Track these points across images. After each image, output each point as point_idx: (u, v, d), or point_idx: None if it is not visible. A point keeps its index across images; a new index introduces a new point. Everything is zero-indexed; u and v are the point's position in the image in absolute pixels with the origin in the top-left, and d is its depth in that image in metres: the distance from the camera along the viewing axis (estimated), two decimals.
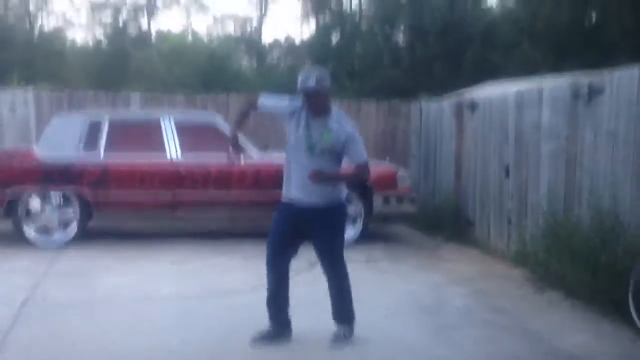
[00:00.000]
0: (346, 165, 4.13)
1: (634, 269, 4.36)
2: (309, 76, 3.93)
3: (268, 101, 4.17)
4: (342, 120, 4.05)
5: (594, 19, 21.19)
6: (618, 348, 4.17)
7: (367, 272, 6.21)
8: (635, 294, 4.32)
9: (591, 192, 5.46)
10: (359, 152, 4.03)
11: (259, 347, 4.04)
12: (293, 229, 4.06)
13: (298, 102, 4.03)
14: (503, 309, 5.08)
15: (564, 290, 5.27)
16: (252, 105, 4.21)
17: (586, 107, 5.65)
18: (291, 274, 4.19)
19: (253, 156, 7.36)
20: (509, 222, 6.88)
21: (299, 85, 3.94)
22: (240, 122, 4.33)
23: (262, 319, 4.17)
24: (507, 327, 4.62)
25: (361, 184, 7.03)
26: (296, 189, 4.05)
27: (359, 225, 7.52)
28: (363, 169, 4.08)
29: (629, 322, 4.36)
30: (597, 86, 5.51)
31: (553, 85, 6.39)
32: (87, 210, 7.21)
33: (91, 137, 7.27)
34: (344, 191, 4.19)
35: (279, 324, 4.16)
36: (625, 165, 5.11)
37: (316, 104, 3.96)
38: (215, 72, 23.43)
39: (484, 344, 4.24)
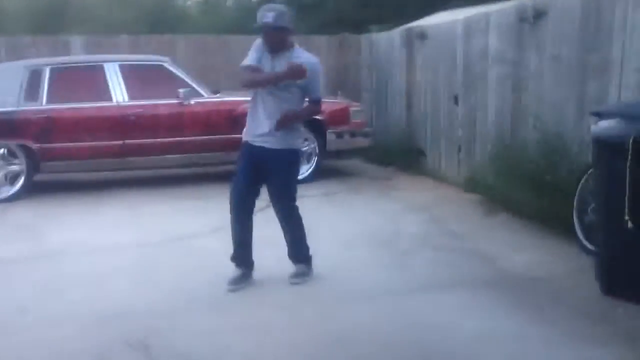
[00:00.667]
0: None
1: (578, 188, 4.53)
2: (267, 13, 3.87)
3: (251, 59, 4.03)
4: (304, 54, 4.04)
5: None
6: (565, 264, 4.37)
7: (325, 204, 6.32)
8: (579, 211, 4.51)
9: (537, 115, 5.60)
10: (317, 88, 4.05)
11: (236, 293, 4.04)
12: (254, 170, 4.07)
13: (257, 44, 4.00)
14: (457, 233, 5.26)
15: (513, 212, 5.47)
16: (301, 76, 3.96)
17: (531, 31, 5.71)
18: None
19: (204, 98, 7.27)
20: (459, 149, 7.03)
21: (257, 22, 3.88)
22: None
23: (225, 261, 4.18)
24: (461, 250, 4.80)
25: (314, 123, 7.07)
26: (254, 131, 4.03)
27: (314, 161, 7.57)
28: (317, 105, 4.14)
29: (575, 238, 4.56)
30: (541, 9, 5.57)
31: (499, 9, 6.42)
32: (33, 162, 7.02)
33: (32, 87, 7.03)
34: (301, 135, 4.21)
35: (246, 265, 4.19)
36: (569, 87, 5.23)
37: (275, 41, 3.94)
38: (160, 11, 22.65)
39: (442, 268, 4.41)
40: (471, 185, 6.35)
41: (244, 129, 4.16)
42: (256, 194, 4.16)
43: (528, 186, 5.13)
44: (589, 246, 4.26)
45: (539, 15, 5.59)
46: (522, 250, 4.73)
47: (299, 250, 4.25)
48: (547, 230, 4.98)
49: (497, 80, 6.28)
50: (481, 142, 6.55)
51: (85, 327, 3.56)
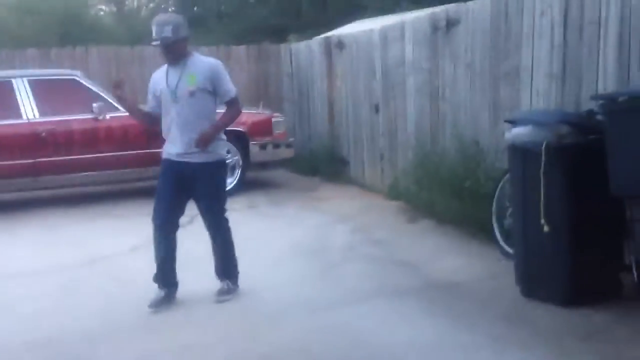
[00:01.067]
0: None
1: (496, 193, 4.66)
2: (163, 26, 3.79)
3: (149, 101, 4.07)
4: (201, 59, 3.99)
5: None
6: (486, 268, 4.47)
7: (250, 218, 6.24)
8: (498, 216, 4.63)
9: (454, 123, 5.74)
10: (228, 89, 3.99)
11: (160, 314, 3.92)
12: (177, 187, 3.96)
13: (156, 73, 3.99)
14: (382, 241, 5.30)
15: (435, 218, 5.57)
16: (117, 87, 3.95)
17: (445, 39, 5.85)
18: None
19: (119, 113, 7.05)
20: (382, 158, 7.11)
21: (154, 36, 3.81)
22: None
23: (148, 281, 4.06)
24: (387, 259, 4.84)
25: (237, 135, 7.01)
26: (171, 147, 3.97)
27: (237, 173, 7.47)
28: (234, 105, 4.06)
29: (494, 242, 4.68)
30: (453, 17, 5.71)
31: (414, 19, 6.55)
32: None
33: None
34: (224, 145, 4.16)
35: (170, 285, 4.07)
36: (483, 95, 5.39)
37: (176, 54, 3.88)
38: (71, 22, 21.87)
39: (367, 279, 4.42)
40: (394, 192, 6.44)
41: (164, 145, 4.05)
42: (181, 211, 4.06)
43: (449, 192, 5.24)
44: (509, 250, 4.38)
45: (451, 24, 5.74)
46: (445, 256, 4.81)
47: (227, 265, 4.16)
48: (469, 235, 5.09)
49: (415, 89, 6.40)
50: (402, 150, 6.65)
51: (11, 358, 3.39)
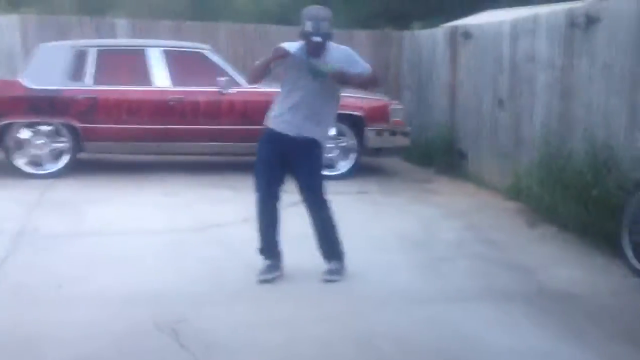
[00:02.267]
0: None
1: (627, 203, 4.35)
2: (321, 22, 3.81)
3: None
4: (335, 48, 3.98)
5: None
6: (609, 283, 4.21)
7: (359, 203, 6.23)
8: (629, 229, 4.32)
9: (586, 124, 5.41)
10: (364, 66, 3.98)
11: (266, 285, 4.01)
12: (278, 158, 4.01)
13: (291, 45, 3.93)
14: (495, 242, 5.11)
15: (556, 224, 5.30)
16: (282, 56, 3.91)
17: (582, 37, 5.52)
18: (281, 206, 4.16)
19: (243, 87, 7.24)
20: (503, 155, 6.86)
21: (309, 31, 3.80)
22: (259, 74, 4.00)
23: (256, 252, 4.15)
24: (499, 260, 4.65)
25: (354, 119, 7.01)
26: (283, 120, 3.98)
27: (352, 158, 7.47)
28: (375, 76, 4.06)
29: (621, 256, 4.38)
30: (593, 15, 5.37)
31: (549, 13, 6.22)
32: (77, 141, 7.14)
33: (78, 67, 7.14)
34: (330, 129, 4.15)
35: (274, 257, 4.14)
36: (620, 98, 5.04)
37: (322, 48, 3.91)
38: None
39: (475, 278, 4.28)
40: (514, 192, 6.19)
41: (268, 116, 4.08)
42: (282, 182, 4.09)
43: (574, 198, 4.96)
44: (638, 266, 4.08)
45: (591, 21, 5.39)
46: (563, 265, 4.56)
47: (332, 246, 4.17)
48: (592, 246, 4.81)
49: (545, 86, 6.09)
50: (526, 149, 6.37)
51: (115, 307, 3.60)
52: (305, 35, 3.86)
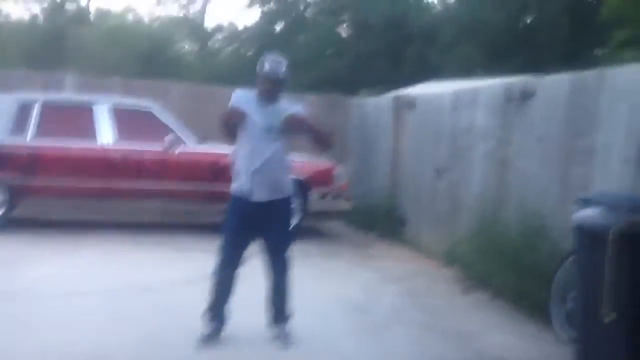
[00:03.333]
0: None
1: (557, 273, 4.48)
2: (279, 64, 3.91)
3: (234, 103, 4.02)
4: (290, 103, 4.06)
5: (529, 22, 21.87)
6: (540, 350, 4.29)
7: (301, 267, 6.16)
8: (557, 298, 4.44)
9: (520, 194, 5.61)
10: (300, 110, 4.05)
11: (206, 350, 3.93)
12: (248, 226, 4.00)
13: (244, 93, 4.01)
14: (432, 308, 5.16)
15: (491, 291, 5.40)
16: (235, 115, 3.97)
17: (518, 110, 5.78)
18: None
19: (190, 146, 7.25)
20: (440, 222, 7.01)
21: (267, 71, 3.88)
22: (229, 134, 4.06)
23: (196, 315, 4.09)
24: (435, 327, 4.69)
25: (297, 182, 7.06)
26: (250, 181, 3.96)
27: (295, 220, 7.48)
28: (331, 136, 4.19)
29: (551, 324, 4.48)
30: (529, 90, 5.66)
31: (488, 87, 6.52)
32: (12, 197, 6.92)
33: (21, 120, 7.00)
34: (291, 183, 4.20)
35: (221, 321, 4.08)
36: (553, 170, 5.26)
37: (276, 93, 3.97)
38: (155, 55, 22.86)
39: (412, 345, 4.29)
40: (450, 259, 6.30)
41: (234, 180, 4.08)
42: (246, 250, 4.07)
43: (507, 266, 5.09)
44: (565, 335, 4.18)
45: (526, 95, 5.68)
46: (496, 332, 4.63)
47: (284, 308, 4.15)
48: (525, 314, 4.90)
49: (483, 156, 6.32)
50: (463, 217, 6.54)
51: None
52: (263, 76, 3.90)
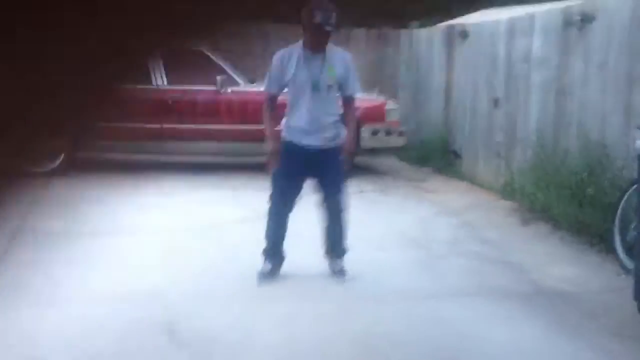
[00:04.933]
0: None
1: (620, 202, 4.39)
2: (330, 14, 3.78)
3: (272, 83, 4.02)
4: (336, 50, 3.99)
5: None
6: (602, 280, 4.25)
7: (356, 202, 6.20)
8: (621, 228, 4.36)
9: (580, 123, 5.45)
10: (355, 86, 4.04)
11: (264, 286, 4.04)
12: (300, 169, 4.02)
13: (284, 52, 3.96)
14: (490, 240, 5.15)
15: (551, 223, 5.33)
16: (271, 101, 4.03)
17: (578, 36, 5.55)
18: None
19: (241, 86, 7.28)
20: (498, 154, 6.89)
21: (319, 22, 3.76)
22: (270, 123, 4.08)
23: (254, 252, 4.17)
24: (493, 258, 4.69)
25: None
26: (301, 132, 3.98)
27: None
28: (354, 103, 4.14)
29: (615, 254, 4.42)
30: (589, 14, 5.40)
31: (545, 12, 6.25)
32: (73, 141, 7.12)
33: None
34: (343, 129, 4.18)
35: (277, 260, 4.17)
36: (615, 97, 5.07)
37: (325, 42, 3.89)
38: None
39: (469, 276, 4.32)
40: (508, 191, 6.22)
41: (284, 127, 4.08)
42: (299, 193, 4.11)
43: (568, 197, 5.00)
44: (629, 264, 4.12)
45: (586, 19, 5.43)
46: (557, 263, 4.60)
47: (341, 242, 4.20)
48: (586, 245, 4.84)
49: (540, 85, 6.13)
50: (521, 148, 6.41)
51: (114, 306, 3.63)
52: (314, 27, 3.79)
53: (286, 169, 4.01)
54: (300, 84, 3.92)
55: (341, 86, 3.99)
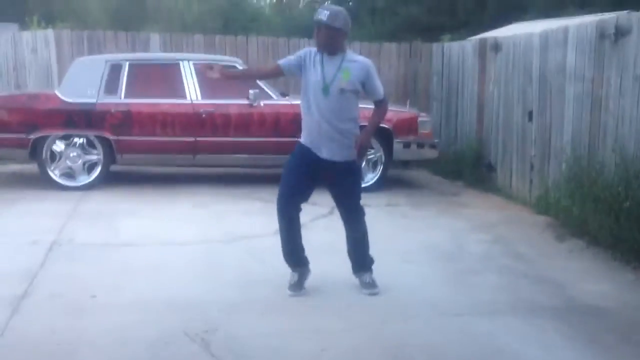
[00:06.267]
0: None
1: None
2: (323, 11, 3.85)
3: (286, 59, 4.06)
4: (355, 57, 3.99)
5: None
6: (637, 298, 4.16)
7: (387, 216, 6.24)
8: None
9: (616, 137, 5.37)
10: (377, 88, 3.99)
11: (296, 297, 4.05)
12: (309, 176, 4.01)
13: (309, 50, 3.99)
14: (524, 256, 5.08)
15: (586, 238, 5.25)
16: (277, 71, 4.07)
17: (612, 49, 5.49)
18: (309, 219, 4.15)
19: (273, 99, 7.34)
20: (532, 167, 6.82)
21: (317, 19, 3.84)
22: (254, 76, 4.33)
23: (286, 264, 4.20)
24: (527, 274, 4.63)
25: (382, 131, 7.02)
26: (311, 137, 3.98)
27: (379, 170, 7.50)
28: (383, 105, 4.08)
29: None
30: (624, 26, 5.34)
31: (579, 25, 6.19)
32: (110, 153, 7.29)
33: (112, 80, 7.28)
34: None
35: (299, 265, 4.16)
36: None
37: (326, 41, 3.87)
38: (233, 10, 23.03)
39: (503, 291, 4.27)
40: (542, 205, 6.14)
41: (302, 134, 4.08)
42: (306, 198, 4.08)
43: (604, 212, 4.91)
44: None
45: (621, 32, 5.36)
46: (592, 279, 4.53)
47: (363, 255, 4.19)
48: (622, 261, 4.76)
49: (575, 98, 6.06)
50: (555, 162, 6.33)
51: (148, 315, 3.69)
52: (315, 26, 3.85)
53: (298, 167, 4.00)
54: (312, 83, 3.93)
55: (365, 92, 3.97)
